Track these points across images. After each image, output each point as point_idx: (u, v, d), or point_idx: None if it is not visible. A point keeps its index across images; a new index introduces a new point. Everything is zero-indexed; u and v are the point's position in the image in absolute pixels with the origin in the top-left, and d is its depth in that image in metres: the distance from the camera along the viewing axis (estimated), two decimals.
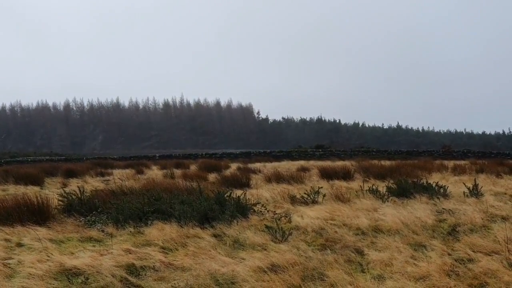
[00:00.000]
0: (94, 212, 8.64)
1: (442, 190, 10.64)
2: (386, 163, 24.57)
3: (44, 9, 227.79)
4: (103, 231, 7.57)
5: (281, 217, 8.27)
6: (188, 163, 31.61)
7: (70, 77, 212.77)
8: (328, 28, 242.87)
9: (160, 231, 7.12)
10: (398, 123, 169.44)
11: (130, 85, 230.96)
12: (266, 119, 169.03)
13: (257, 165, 28.56)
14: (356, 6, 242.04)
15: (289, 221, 8.00)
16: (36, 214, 8.12)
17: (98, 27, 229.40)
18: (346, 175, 16.08)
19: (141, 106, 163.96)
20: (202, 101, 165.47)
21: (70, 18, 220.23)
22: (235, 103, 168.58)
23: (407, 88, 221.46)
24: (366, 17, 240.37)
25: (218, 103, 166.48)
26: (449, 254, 5.64)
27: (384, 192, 10.53)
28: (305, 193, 10.33)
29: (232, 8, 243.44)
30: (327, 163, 24.94)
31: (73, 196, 9.42)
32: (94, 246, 6.60)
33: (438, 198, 10.00)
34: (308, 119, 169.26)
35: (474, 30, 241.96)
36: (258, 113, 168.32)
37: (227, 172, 20.72)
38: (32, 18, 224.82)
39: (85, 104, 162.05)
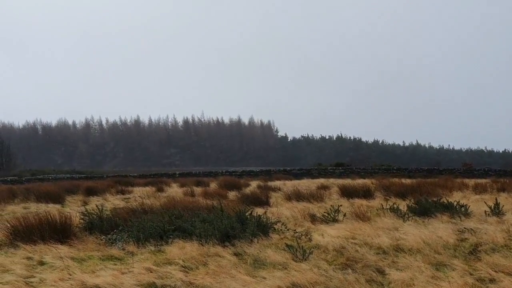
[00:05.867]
0: (115, 230, 8.69)
1: (463, 209, 10.54)
2: (407, 181, 24.44)
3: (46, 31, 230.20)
4: (124, 249, 7.62)
5: (301, 236, 8.25)
6: (208, 181, 31.68)
7: (84, 96, 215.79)
8: (350, 45, 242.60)
9: (180, 250, 7.14)
10: (417, 141, 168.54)
11: (149, 104, 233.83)
12: (286, 137, 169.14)
13: (277, 183, 28.47)
14: (378, 23, 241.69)
15: (310, 240, 7.97)
16: (58, 232, 8.18)
17: (109, 47, 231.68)
18: (366, 193, 15.99)
19: (161, 124, 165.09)
20: (222, 118, 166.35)
21: (70, 39, 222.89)
22: (255, 120, 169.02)
23: (428, 105, 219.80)
24: (390, 35, 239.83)
25: (238, 121, 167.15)
26: (471, 274, 5.58)
27: (405, 211, 10.46)
28: (325, 212, 10.31)
29: (253, 24, 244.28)
30: (347, 181, 24.82)
31: (94, 215, 9.52)
32: (115, 264, 6.64)
33: (459, 217, 9.92)
34: (328, 137, 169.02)
35: (496, 47, 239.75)
36: (277, 131, 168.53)
37: (247, 190, 20.70)
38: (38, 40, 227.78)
39: (104, 122, 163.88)
